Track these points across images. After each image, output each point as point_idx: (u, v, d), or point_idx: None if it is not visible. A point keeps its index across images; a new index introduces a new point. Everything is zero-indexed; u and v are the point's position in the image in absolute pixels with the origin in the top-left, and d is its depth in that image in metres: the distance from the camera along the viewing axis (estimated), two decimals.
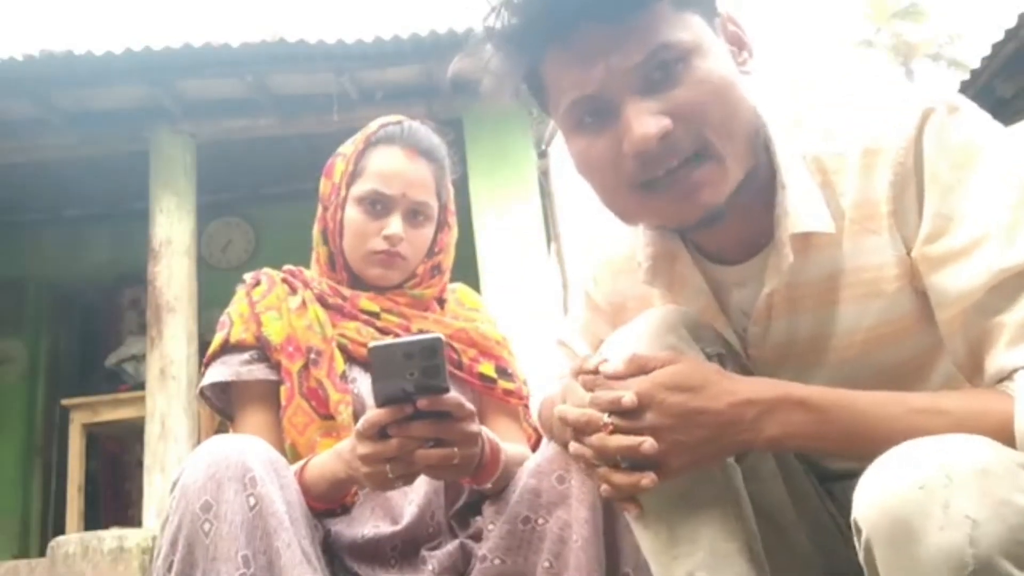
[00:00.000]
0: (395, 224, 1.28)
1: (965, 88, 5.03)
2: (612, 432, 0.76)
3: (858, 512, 0.62)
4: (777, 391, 0.76)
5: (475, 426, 0.98)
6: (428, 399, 0.92)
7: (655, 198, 0.79)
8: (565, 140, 0.85)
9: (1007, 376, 0.71)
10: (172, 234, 4.20)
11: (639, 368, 0.79)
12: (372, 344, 0.91)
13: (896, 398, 0.73)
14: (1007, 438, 0.66)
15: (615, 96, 0.77)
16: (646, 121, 0.75)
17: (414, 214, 1.30)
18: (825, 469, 0.98)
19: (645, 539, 0.85)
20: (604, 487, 0.80)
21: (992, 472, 0.58)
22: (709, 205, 0.78)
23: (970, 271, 0.73)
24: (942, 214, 0.76)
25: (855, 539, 0.64)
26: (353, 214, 1.29)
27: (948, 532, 0.56)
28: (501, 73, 0.84)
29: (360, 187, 1.29)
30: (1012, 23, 4.38)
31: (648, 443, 0.74)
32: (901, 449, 0.63)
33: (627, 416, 0.76)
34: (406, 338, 0.94)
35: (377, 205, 1.28)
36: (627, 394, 0.76)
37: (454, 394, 0.95)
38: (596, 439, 0.77)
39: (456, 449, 0.95)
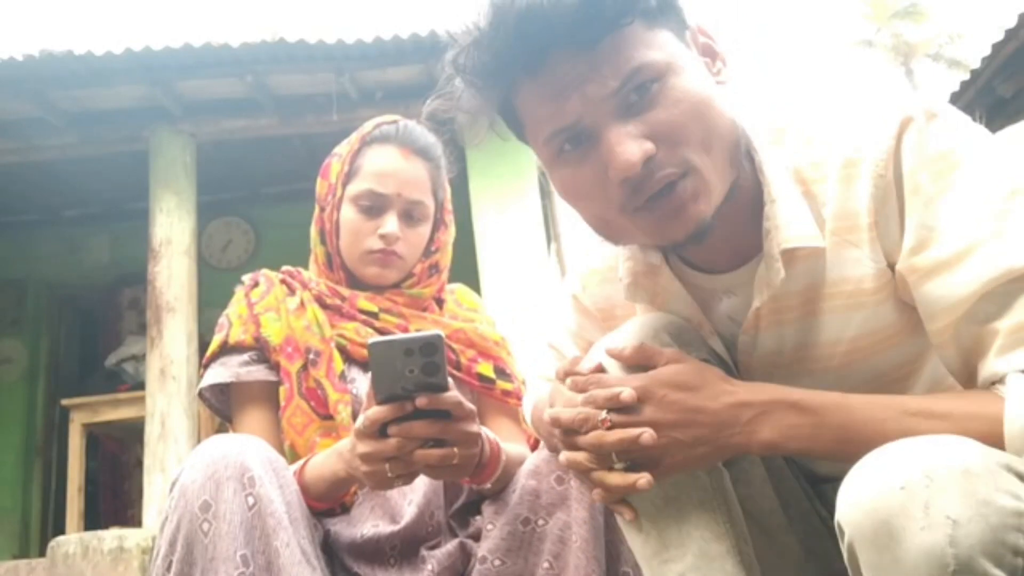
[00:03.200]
0: (391, 223, 1.28)
1: (965, 88, 5.03)
2: (610, 428, 0.76)
3: (841, 513, 0.62)
4: (773, 394, 0.76)
5: (475, 426, 0.98)
6: (427, 397, 0.91)
7: (644, 219, 0.78)
8: (547, 170, 0.84)
9: (999, 380, 0.71)
10: (172, 234, 4.20)
11: (647, 358, 0.80)
12: (372, 340, 0.90)
13: (889, 401, 0.73)
14: (997, 439, 0.66)
15: (594, 123, 0.76)
16: (628, 147, 0.74)
17: (410, 213, 1.30)
18: (814, 472, 0.98)
19: (635, 543, 0.85)
20: (597, 492, 0.80)
21: (973, 472, 0.58)
22: (697, 220, 0.77)
23: (960, 281, 0.72)
24: (926, 225, 0.75)
25: (839, 540, 0.64)
26: (349, 214, 1.29)
27: (929, 533, 0.56)
28: (474, 109, 0.83)
29: (355, 187, 1.29)
30: (1012, 23, 4.38)
31: (648, 434, 0.74)
32: (883, 450, 0.63)
33: (625, 411, 0.76)
34: (406, 334, 0.93)
35: (372, 204, 1.28)
36: (626, 389, 0.76)
37: (454, 393, 0.94)
38: (593, 436, 0.77)
39: (456, 449, 0.95)
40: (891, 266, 0.79)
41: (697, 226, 0.77)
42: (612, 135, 0.75)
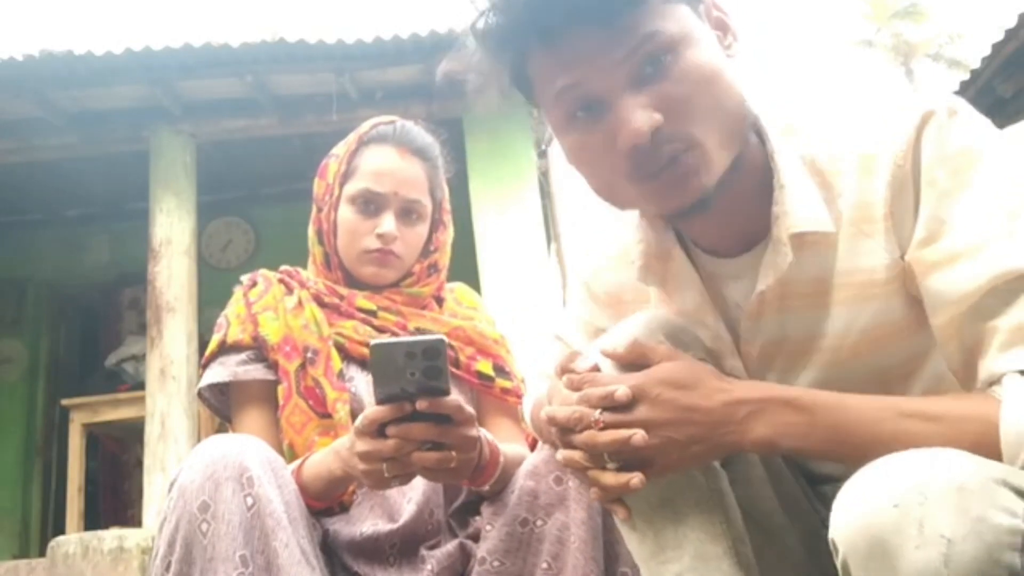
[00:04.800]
0: (388, 222, 1.28)
1: (965, 88, 5.03)
2: (603, 428, 0.76)
3: (835, 531, 0.62)
4: (767, 392, 0.76)
5: (474, 430, 0.98)
6: (428, 401, 0.92)
7: (648, 187, 0.79)
8: (556, 134, 0.85)
9: (996, 380, 0.71)
10: (172, 234, 4.20)
11: (641, 356, 0.80)
12: (374, 342, 0.90)
13: (885, 402, 0.73)
14: (992, 442, 0.66)
15: (606, 91, 0.77)
16: (638, 117, 0.75)
17: (407, 212, 1.30)
18: (813, 472, 0.98)
19: (633, 544, 0.85)
20: (593, 490, 0.80)
21: (968, 488, 0.57)
22: (699, 191, 0.78)
23: (966, 275, 0.72)
24: (938, 218, 0.75)
25: (834, 557, 0.63)
26: (346, 213, 1.29)
27: (923, 551, 0.55)
28: (487, 72, 0.84)
29: (353, 186, 1.29)
30: (1012, 23, 4.38)
31: (639, 435, 0.74)
32: (877, 465, 0.62)
33: (619, 411, 0.76)
34: (409, 338, 0.93)
35: (370, 204, 1.29)
36: (620, 387, 0.76)
37: (454, 397, 0.94)
38: (586, 436, 0.77)
39: (454, 453, 0.95)
40: (904, 257, 0.79)
41: (699, 196, 0.78)
42: (624, 104, 0.76)
